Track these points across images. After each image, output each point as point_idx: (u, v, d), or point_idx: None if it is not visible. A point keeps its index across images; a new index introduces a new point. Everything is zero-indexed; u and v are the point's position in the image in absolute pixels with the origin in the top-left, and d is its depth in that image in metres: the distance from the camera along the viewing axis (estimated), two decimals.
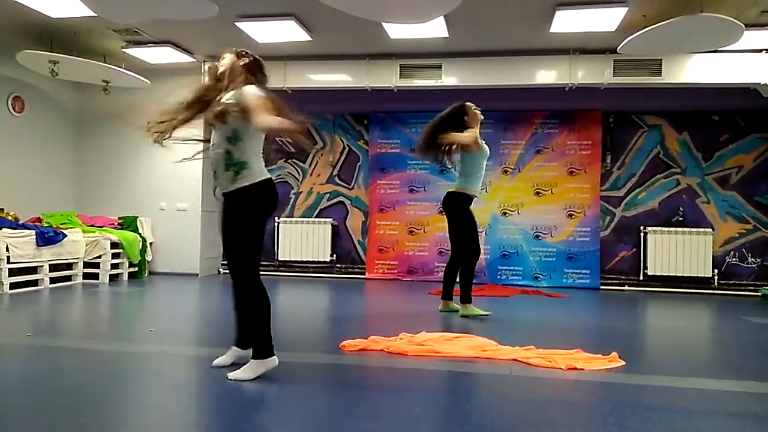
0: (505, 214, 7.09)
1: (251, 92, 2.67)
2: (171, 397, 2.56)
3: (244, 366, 2.70)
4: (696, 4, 4.64)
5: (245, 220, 2.71)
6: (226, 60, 2.85)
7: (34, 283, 5.55)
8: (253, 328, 2.74)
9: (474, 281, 6.83)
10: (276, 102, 2.71)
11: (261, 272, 2.82)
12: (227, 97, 2.72)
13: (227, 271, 2.94)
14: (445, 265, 4.78)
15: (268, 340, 2.72)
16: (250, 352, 2.76)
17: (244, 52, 2.88)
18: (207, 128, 2.95)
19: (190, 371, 2.95)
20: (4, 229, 5.29)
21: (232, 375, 2.66)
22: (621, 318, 4.98)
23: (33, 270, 5.56)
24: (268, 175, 2.80)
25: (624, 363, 3.08)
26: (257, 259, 2.76)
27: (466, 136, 4.38)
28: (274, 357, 2.74)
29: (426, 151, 4.58)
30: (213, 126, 2.77)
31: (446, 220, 4.67)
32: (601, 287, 6.83)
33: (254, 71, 2.85)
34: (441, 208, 4.75)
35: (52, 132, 7.03)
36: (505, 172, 7.11)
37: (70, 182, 7.32)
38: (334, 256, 7.44)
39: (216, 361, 2.88)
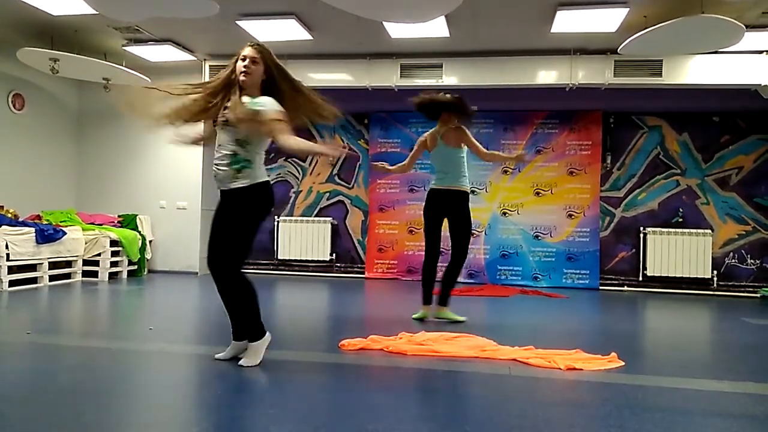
0: (504, 214, 7.09)
1: (272, 106, 2.71)
2: (170, 395, 2.56)
3: (246, 353, 2.86)
4: (697, 5, 4.64)
5: (241, 218, 2.80)
6: (255, 64, 2.76)
7: (34, 280, 5.55)
8: (243, 315, 2.87)
9: (473, 281, 6.94)
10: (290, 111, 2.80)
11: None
12: (248, 103, 2.71)
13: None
14: (446, 267, 4.41)
15: (259, 322, 2.89)
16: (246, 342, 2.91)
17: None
18: (209, 125, 2.96)
19: (190, 369, 2.94)
20: (3, 227, 5.29)
21: (242, 362, 2.82)
22: (620, 319, 4.99)
23: (32, 267, 5.55)
24: (267, 178, 2.88)
25: (623, 363, 3.08)
26: (245, 257, 2.87)
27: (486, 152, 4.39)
28: (267, 333, 2.92)
29: (421, 109, 4.40)
30: (221, 125, 2.78)
31: (451, 219, 4.32)
32: (601, 288, 6.83)
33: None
34: (445, 207, 4.31)
35: (52, 130, 7.02)
36: (505, 172, 7.11)
37: (70, 180, 7.31)
38: (334, 255, 7.44)
39: (218, 355, 2.97)
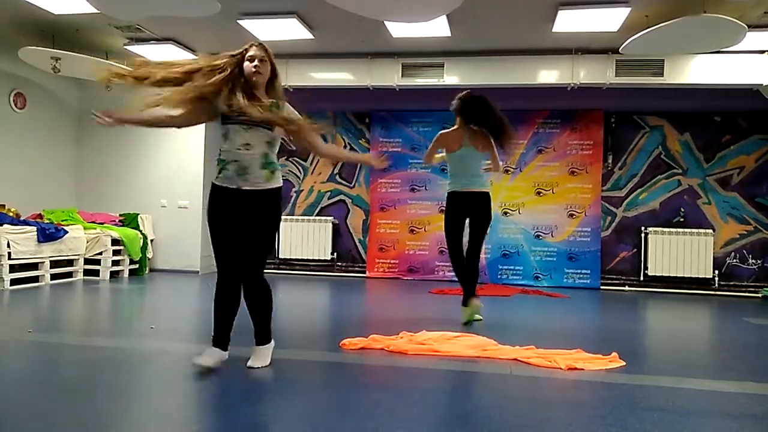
0: (506, 213, 7.09)
1: (294, 111, 2.87)
2: (171, 394, 2.57)
3: (256, 354, 2.87)
4: (698, 4, 4.64)
5: (277, 219, 2.88)
6: (264, 63, 2.79)
7: (35, 279, 5.56)
8: (265, 317, 2.91)
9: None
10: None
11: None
12: (267, 104, 2.77)
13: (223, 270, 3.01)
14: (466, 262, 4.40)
15: (270, 325, 2.96)
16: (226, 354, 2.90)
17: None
18: (196, 114, 2.87)
19: (190, 368, 2.94)
20: (5, 225, 5.30)
21: (252, 363, 2.82)
22: (621, 318, 4.98)
23: (34, 266, 5.56)
24: None
25: (624, 363, 3.08)
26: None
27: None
28: (272, 340, 2.99)
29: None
30: (248, 125, 2.71)
31: (475, 218, 4.29)
32: (602, 287, 6.82)
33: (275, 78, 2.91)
34: (472, 206, 4.30)
35: (54, 128, 7.03)
36: (507, 171, 7.10)
37: (72, 179, 7.32)
38: (335, 254, 7.44)
39: (202, 363, 2.80)
